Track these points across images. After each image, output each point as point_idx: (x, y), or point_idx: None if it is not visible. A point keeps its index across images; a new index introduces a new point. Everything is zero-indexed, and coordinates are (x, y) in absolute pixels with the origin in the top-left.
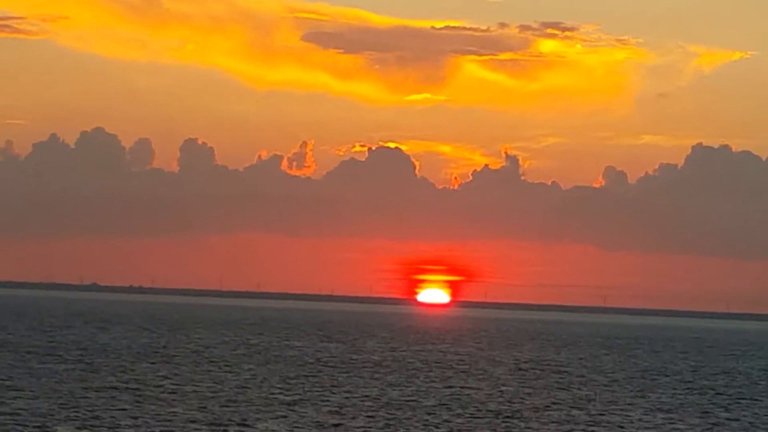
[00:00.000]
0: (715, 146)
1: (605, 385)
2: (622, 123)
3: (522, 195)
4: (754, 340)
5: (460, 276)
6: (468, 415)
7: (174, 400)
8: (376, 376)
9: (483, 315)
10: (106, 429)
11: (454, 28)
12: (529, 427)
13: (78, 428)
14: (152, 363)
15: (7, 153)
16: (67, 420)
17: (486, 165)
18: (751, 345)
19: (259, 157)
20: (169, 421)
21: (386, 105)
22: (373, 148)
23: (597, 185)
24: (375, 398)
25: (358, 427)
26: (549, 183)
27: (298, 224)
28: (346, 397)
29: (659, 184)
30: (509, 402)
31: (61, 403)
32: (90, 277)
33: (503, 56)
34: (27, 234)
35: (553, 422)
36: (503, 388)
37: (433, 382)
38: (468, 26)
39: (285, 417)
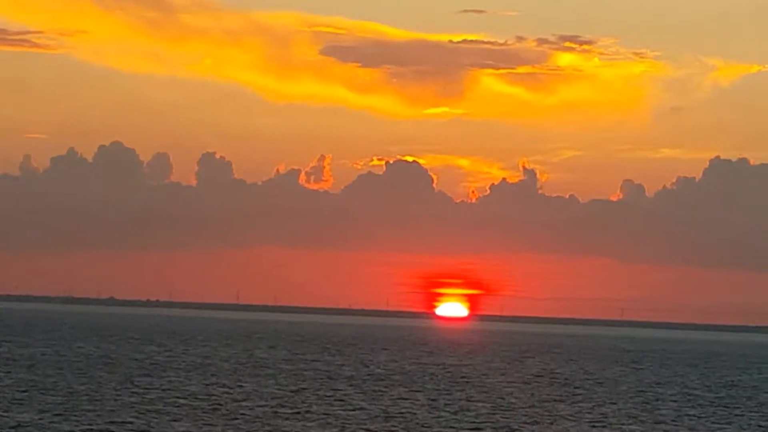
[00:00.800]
0: (733, 159)
1: (604, 397)
2: (640, 136)
3: (540, 208)
4: (764, 353)
5: (478, 289)
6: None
7: (171, 413)
8: (376, 389)
9: (500, 328)
10: None
11: (472, 41)
12: None
13: None
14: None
15: (25, 167)
16: None
17: (504, 178)
18: (761, 358)
19: (277, 170)
20: None
21: (404, 118)
22: (391, 162)
23: (615, 198)
24: (369, 411)
25: None
26: (567, 196)
27: (316, 238)
28: (342, 410)
29: (677, 198)
30: (503, 413)
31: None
32: (107, 291)
33: (521, 70)
34: (45, 248)
35: None
36: (498, 400)
37: (427, 393)
38: (485, 40)
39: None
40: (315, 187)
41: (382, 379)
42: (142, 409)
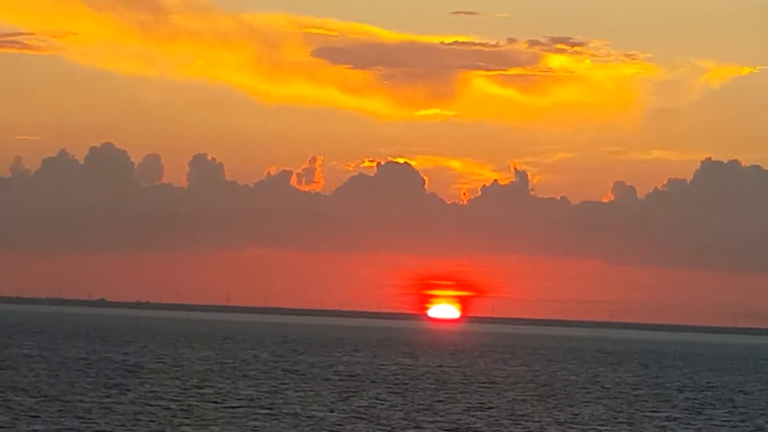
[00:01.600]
0: (725, 161)
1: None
2: (631, 138)
3: (531, 210)
4: (746, 355)
5: (469, 291)
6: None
7: (136, 415)
8: (341, 387)
9: (491, 330)
10: None
11: (463, 43)
12: None
13: None
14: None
15: (16, 169)
16: None
17: (495, 180)
18: (739, 359)
19: (269, 172)
20: None
21: (395, 120)
22: (383, 164)
23: (606, 200)
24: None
25: None
26: (558, 198)
27: (308, 239)
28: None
29: (668, 199)
30: (464, 412)
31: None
32: (98, 293)
33: (512, 71)
34: (36, 249)
35: None
36: (465, 401)
37: (393, 394)
38: (477, 41)
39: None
40: (306, 188)
41: (348, 379)
42: (111, 411)
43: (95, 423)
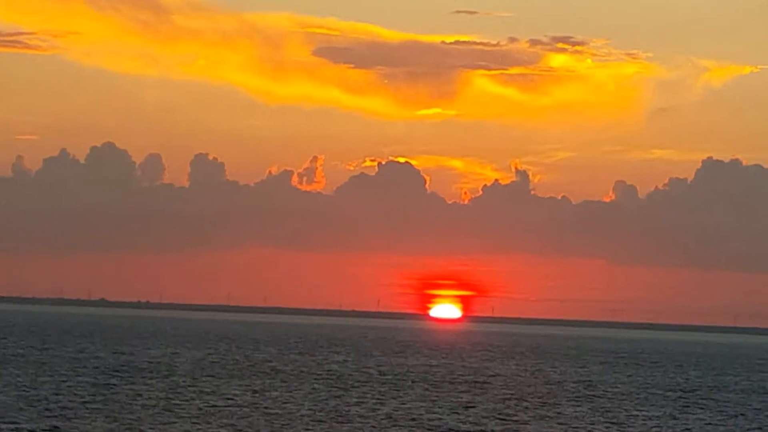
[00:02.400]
0: (726, 160)
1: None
2: (632, 137)
3: (532, 209)
4: (745, 354)
5: (471, 291)
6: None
7: (132, 413)
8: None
9: (491, 330)
10: None
11: (464, 42)
12: None
13: None
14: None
15: (17, 168)
16: None
17: (496, 180)
18: (737, 359)
19: (270, 172)
20: None
21: (397, 120)
22: (384, 163)
23: (607, 199)
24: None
25: None
26: (559, 197)
27: (309, 239)
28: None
29: (669, 199)
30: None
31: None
32: (98, 293)
33: (513, 71)
34: (37, 249)
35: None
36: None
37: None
38: (478, 41)
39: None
40: (308, 188)
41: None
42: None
43: (72, 421)
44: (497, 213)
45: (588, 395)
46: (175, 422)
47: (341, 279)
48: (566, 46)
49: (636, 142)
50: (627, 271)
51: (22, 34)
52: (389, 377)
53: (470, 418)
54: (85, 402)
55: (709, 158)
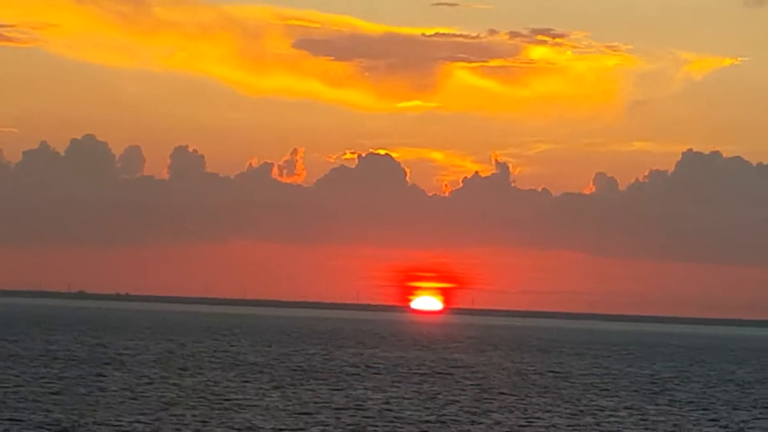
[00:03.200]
0: (706, 152)
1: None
2: (613, 129)
3: (512, 202)
4: (709, 344)
5: (451, 283)
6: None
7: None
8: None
9: (471, 322)
10: None
11: (444, 35)
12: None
13: None
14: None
15: None
16: None
17: (476, 172)
18: (713, 349)
19: (250, 164)
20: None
21: (377, 112)
22: (364, 155)
23: (587, 192)
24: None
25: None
26: (539, 189)
27: (289, 231)
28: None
29: (649, 191)
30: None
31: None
32: (78, 285)
33: (493, 63)
34: (16, 241)
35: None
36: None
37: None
38: (458, 33)
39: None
40: (288, 180)
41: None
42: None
43: (21, 412)
44: (478, 205)
45: (553, 386)
46: (125, 414)
47: (321, 271)
48: (546, 39)
49: (616, 135)
50: (607, 263)
51: (1, 26)
52: (358, 369)
53: (433, 408)
54: (48, 393)
55: (690, 150)
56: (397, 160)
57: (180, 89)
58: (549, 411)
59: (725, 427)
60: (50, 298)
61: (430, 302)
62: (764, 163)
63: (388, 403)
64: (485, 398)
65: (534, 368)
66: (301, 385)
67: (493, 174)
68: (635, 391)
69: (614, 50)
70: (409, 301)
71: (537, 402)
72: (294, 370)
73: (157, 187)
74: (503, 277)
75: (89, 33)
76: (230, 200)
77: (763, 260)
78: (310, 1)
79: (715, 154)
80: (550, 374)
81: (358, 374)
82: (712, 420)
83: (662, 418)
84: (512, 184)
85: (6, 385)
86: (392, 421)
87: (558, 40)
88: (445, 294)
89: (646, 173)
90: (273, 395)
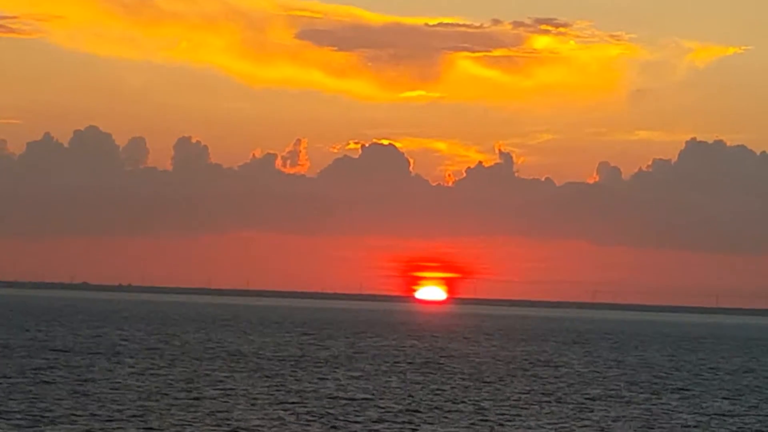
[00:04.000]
0: (709, 141)
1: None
2: (616, 119)
3: (516, 191)
4: (726, 335)
5: (455, 273)
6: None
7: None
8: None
9: (473, 311)
10: None
11: (448, 24)
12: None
13: None
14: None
15: (0, 152)
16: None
17: (480, 162)
18: (714, 339)
19: (254, 155)
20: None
21: (380, 102)
22: (367, 146)
23: (591, 181)
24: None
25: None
26: (543, 179)
27: (293, 222)
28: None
29: (653, 180)
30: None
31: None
32: (81, 276)
33: (497, 53)
34: (20, 233)
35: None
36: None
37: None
38: (461, 23)
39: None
40: (291, 171)
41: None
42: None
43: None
44: (481, 195)
45: (538, 374)
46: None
47: (325, 261)
48: (550, 28)
49: (620, 124)
50: (611, 253)
51: (5, 18)
52: (351, 358)
53: (418, 395)
54: (16, 386)
55: (693, 139)
56: (400, 150)
57: (183, 80)
58: (536, 402)
59: None
60: (54, 290)
61: (434, 292)
62: None
63: (370, 392)
64: (475, 386)
65: (536, 358)
66: (290, 375)
67: (496, 164)
68: (629, 382)
69: (617, 39)
70: (414, 291)
71: (521, 390)
72: (282, 360)
73: (161, 178)
74: (507, 267)
75: (92, 24)
76: (234, 191)
77: None
78: None
79: (719, 143)
80: (546, 363)
81: (348, 363)
82: (691, 408)
83: (645, 408)
84: (516, 174)
85: None
86: (369, 409)
87: (561, 29)
88: (449, 284)
89: (650, 162)
90: (258, 385)
